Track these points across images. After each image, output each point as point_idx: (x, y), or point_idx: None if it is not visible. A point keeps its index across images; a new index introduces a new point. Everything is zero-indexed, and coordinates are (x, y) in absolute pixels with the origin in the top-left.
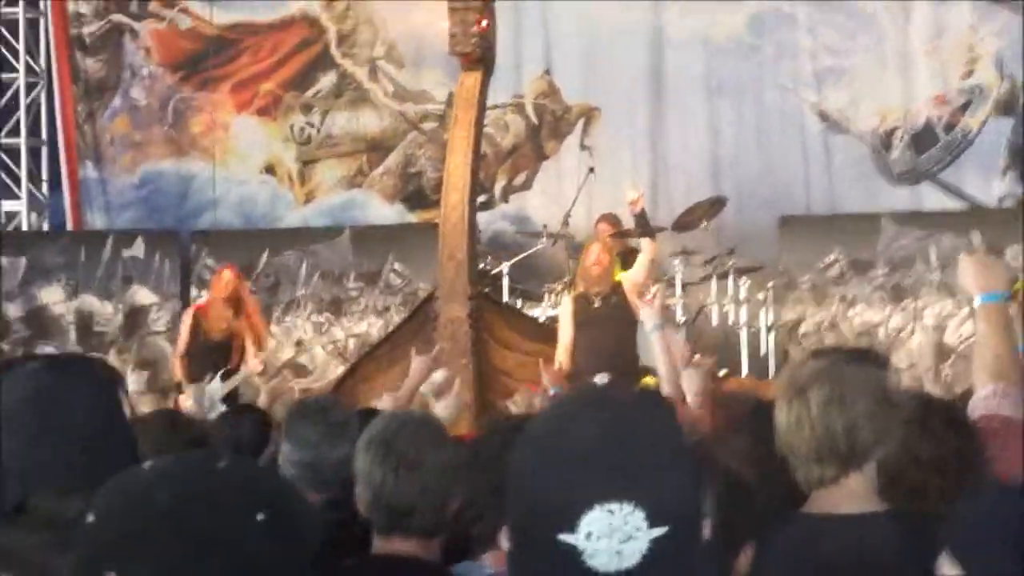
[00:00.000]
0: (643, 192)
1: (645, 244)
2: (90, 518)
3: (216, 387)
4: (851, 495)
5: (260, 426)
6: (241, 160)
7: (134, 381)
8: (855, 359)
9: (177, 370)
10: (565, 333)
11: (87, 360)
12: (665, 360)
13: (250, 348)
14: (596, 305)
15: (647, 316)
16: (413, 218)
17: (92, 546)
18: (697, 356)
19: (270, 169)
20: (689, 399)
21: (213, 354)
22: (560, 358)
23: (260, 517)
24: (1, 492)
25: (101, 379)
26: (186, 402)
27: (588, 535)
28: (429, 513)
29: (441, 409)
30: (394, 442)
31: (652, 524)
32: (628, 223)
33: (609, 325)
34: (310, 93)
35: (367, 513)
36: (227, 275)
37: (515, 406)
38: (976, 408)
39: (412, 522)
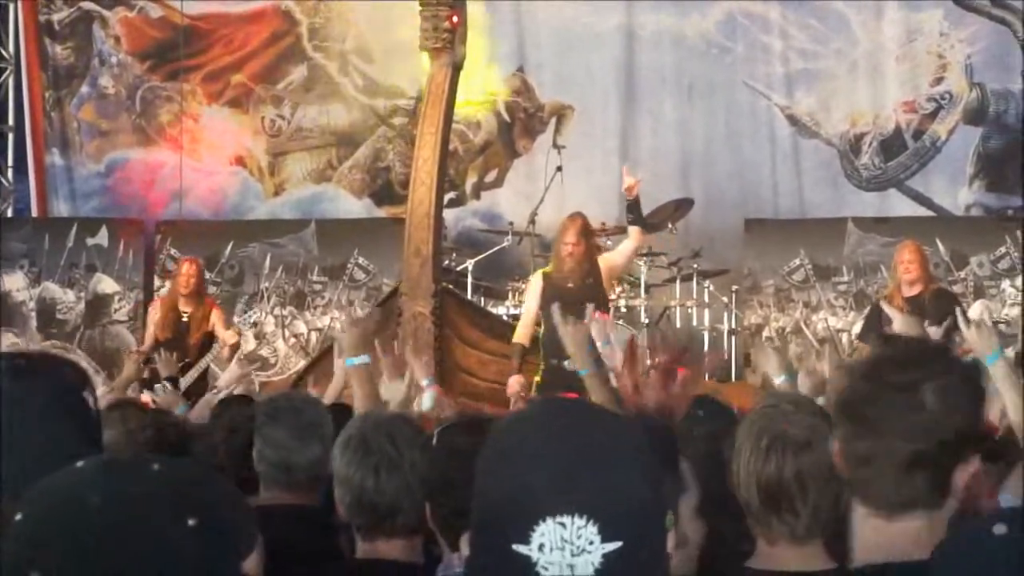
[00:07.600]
0: (640, 179)
1: (633, 231)
2: (18, 516)
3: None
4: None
5: (248, 419)
6: (210, 151)
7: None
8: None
9: (131, 366)
10: (529, 310)
11: (54, 361)
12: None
13: (220, 327)
14: (569, 285)
15: (595, 332)
16: (381, 213)
17: (18, 545)
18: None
19: (240, 161)
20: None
21: (171, 348)
22: (519, 336)
23: (191, 523)
24: None
25: (64, 383)
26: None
27: (540, 547)
28: (412, 512)
29: (387, 392)
30: (373, 442)
31: (605, 539)
32: (596, 222)
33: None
34: (281, 86)
35: (348, 516)
36: (187, 268)
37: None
38: None
39: (395, 522)
